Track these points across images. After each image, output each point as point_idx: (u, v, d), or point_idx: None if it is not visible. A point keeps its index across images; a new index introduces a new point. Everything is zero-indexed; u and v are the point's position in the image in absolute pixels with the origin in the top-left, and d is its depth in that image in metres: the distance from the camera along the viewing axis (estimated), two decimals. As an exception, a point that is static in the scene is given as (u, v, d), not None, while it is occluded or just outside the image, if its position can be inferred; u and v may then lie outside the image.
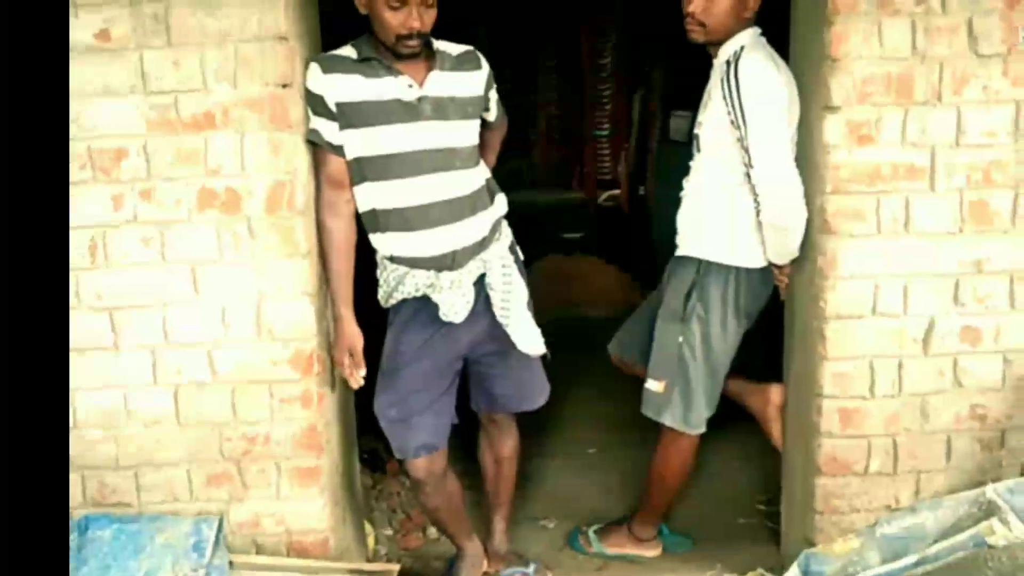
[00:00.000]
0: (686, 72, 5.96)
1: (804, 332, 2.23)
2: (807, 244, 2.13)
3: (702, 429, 2.32)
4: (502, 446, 2.40)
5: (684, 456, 2.38)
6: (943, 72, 1.99)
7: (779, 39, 2.24)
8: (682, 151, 5.14)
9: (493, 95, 2.25)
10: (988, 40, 1.97)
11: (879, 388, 2.15)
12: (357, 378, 2.11)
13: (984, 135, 2.02)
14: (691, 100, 5.35)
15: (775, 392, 2.40)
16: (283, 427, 2.15)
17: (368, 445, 2.91)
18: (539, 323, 2.21)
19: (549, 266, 5.17)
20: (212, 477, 2.17)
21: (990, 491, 2.06)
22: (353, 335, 2.08)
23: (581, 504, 2.93)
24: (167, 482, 2.17)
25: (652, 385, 2.32)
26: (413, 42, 1.94)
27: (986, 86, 2.00)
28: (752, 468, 3.04)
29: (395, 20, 1.92)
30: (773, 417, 2.42)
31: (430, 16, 1.96)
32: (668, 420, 2.29)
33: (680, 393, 2.27)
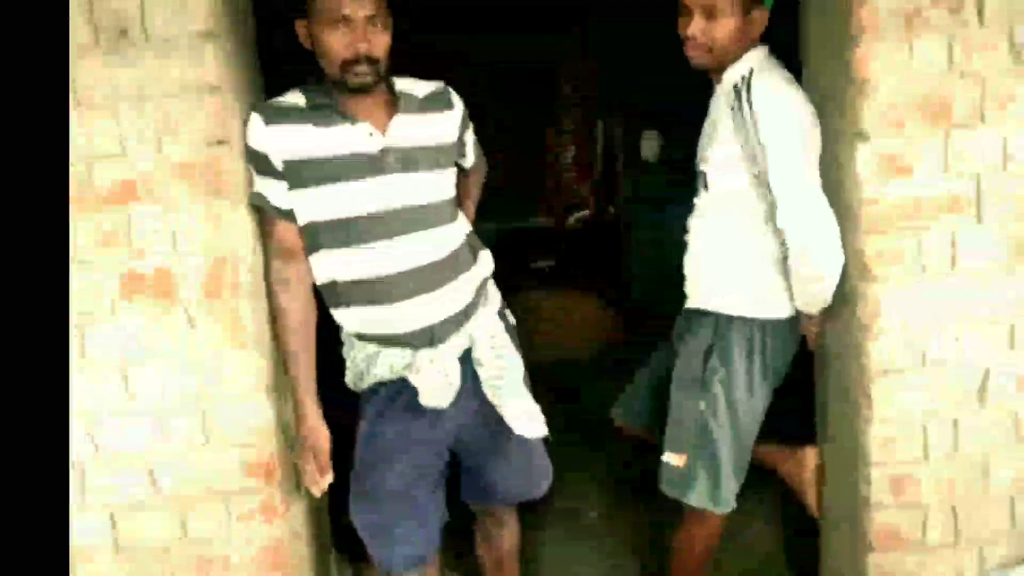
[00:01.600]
0: (651, 91, 5.82)
1: (842, 391, 1.94)
2: (842, 290, 1.85)
3: (732, 506, 2.02)
4: (502, 541, 2.07)
5: (711, 536, 2.08)
6: (985, 89, 1.73)
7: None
8: (656, 174, 4.99)
9: (469, 137, 1.94)
10: (1033, 50, 1.72)
11: (933, 450, 1.87)
12: (322, 486, 1.77)
13: (1035, 158, 1.77)
14: (657, 118, 5.21)
15: (810, 456, 2.11)
16: (242, 546, 1.81)
17: (346, 520, 2.58)
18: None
19: (523, 304, 4.87)
20: (161, 612, 1.82)
21: (1070, 564, 1.79)
22: (317, 434, 1.74)
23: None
24: (106, 623, 1.82)
25: (671, 459, 2.01)
26: (362, 67, 1.63)
27: (1033, 102, 1.74)
28: (776, 527, 2.75)
29: (338, 43, 1.62)
30: (809, 483, 2.13)
31: (381, 39, 1.65)
32: (693, 500, 1.99)
33: (705, 468, 1.97)
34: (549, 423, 1.84)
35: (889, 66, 1.71)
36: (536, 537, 2.76)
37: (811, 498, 2.14)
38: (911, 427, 1.86)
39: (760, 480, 2.16)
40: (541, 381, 2.35)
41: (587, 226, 7.92)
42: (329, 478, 1.77)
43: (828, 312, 1.93)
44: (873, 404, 1.84)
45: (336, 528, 2.20)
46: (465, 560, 2.41)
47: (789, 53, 1.97)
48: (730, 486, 1.99)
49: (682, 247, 2.08)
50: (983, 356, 1.84)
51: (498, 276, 1.96)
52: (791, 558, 2.61)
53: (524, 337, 1.97)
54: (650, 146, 5.03)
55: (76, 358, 1.72)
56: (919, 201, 1.77)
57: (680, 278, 2.08)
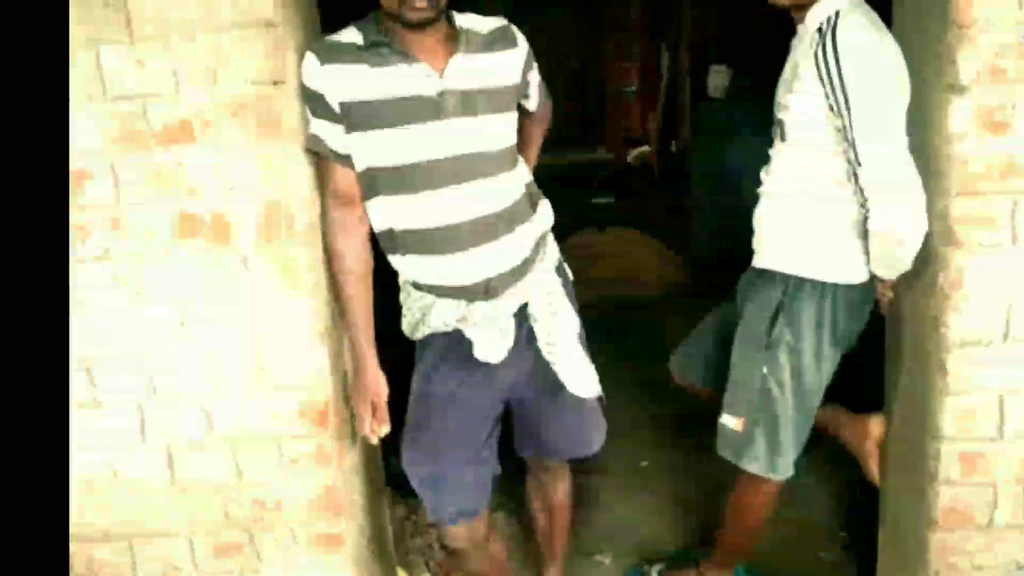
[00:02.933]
0: (718, 22, 5.55)
1: (917, 361, 1.84)
2: (923, 255, 1.74)
3: (790, 473, 1.95)
4: (554, 493, 2.06)
5: (766, 502, 2.02)
6: (1101, 38, 1.57)
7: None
8: (722, 109, 4.77)
9: (534, 77, 1.84)
10: None
11: (1009, 427, 1.77)
12: (379, 434, 1.76)
13: None
14: (725, 53, 4.96)
15: (875, 424, 2.03)
16: (297, 489, 1.82)
17: (397, 467, 2.61)
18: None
19: (583, 243, 4.79)
20: (219, 548, 1.86)
21: None
22: (376, 382, 1.73)
23: (638, 533, 2.60)
24: (166, 555, 1.86)
25: (729, 422, 1.95)
26: (421, 3, 1.53)
27: None
28: (832, 491, 2.69)
29: None
30: (872, 452, 2.05)
31: None
32: (750, 466, 1.93)
33: (765, 434, 1.90)
34: (609, 365, 1.78)
35: (993, 9, 1.56)
36: (587, 481, 2.75)
37: (872, 466, 2.06)
38: (987, 403, 1.76)
39: (818, 438, 2.08)
40: (600, 319, 2.30)
41: (648, 162, 7.74)
42: (386, 427, 1.76)
43: (905, 277, 1.81)
44: (948, 377, 1.74)
45: (387, 465, 2.21)
46: (519, 509, 2.42)
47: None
48: (789, 453, 1.93)
49: (749, 193, 1.97)
50: (1074, 330, 1.72)
51: (556, 213, 1.88)
52: (846, 522, 2.55)
53: (580, 278, 1.91)
54: (718, 81, 4.81)
55: (132, 297, 1.72)
56: (1016, 162, 1.63)
57: (747, 227, 1.99)
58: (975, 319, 1.71)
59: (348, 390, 1.82)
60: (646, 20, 7.93)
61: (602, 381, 1.87)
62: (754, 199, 1.97)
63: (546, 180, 2.02)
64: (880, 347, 2.04)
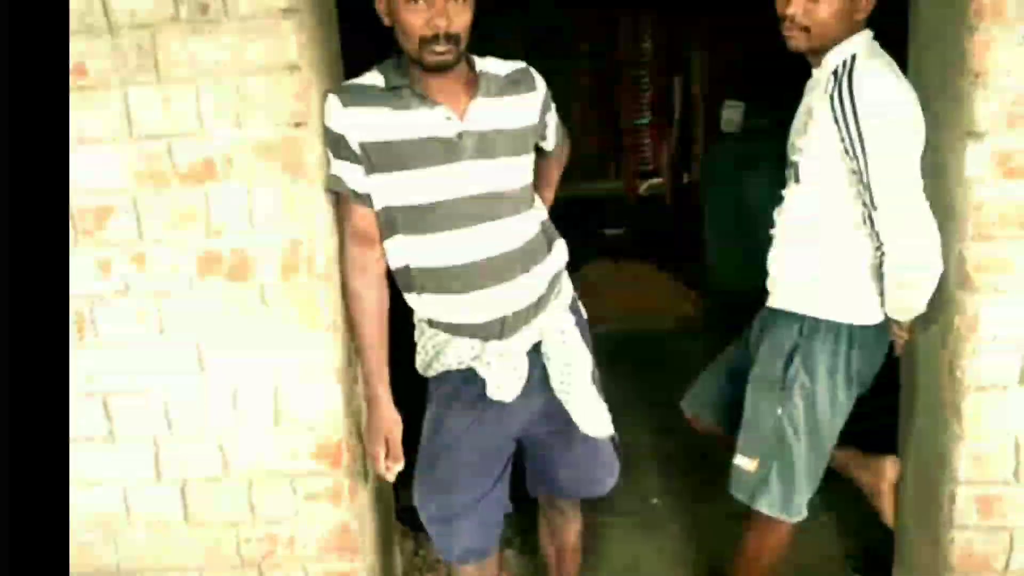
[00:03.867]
0: (730, 56, 5.58)
1: (932, 404, 1.84)
2: (939, 299, 1.74)
3: (804, 515, 1.94)
4: (566, 533, 2.05)
5: (780, 543, 2.01)
6: (1115, 86, 1.58)
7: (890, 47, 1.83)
8: (735, 145, 4.79)
9: (552, 119, 1.86)
10: None
11: (1026, 471, 1.77)
12: (393, 472, 1.77)
13: None
14: (738, 87, 4.99)
15: (890, 467, 2.02)
16: (310, 527, 1.82)
17: (407, 500, 2.60)
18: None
19: (595, 275, 4.80)
20: (229, 584, 1.86)
21: None
22: (390, 421, 1.74)
23: (649, 574, 2.57)
24: (178, 590, 1.87)
25: (743, 463, 1.94)
26: (441, 47, 1.56)
27: None
28: (846, 529, 2.66)
29: (417, 20, 1.55)
30: (886, 494, 2.03)
31: (462, 16, 1.57)
32: (765, 508, 1.92)
33: (779, 476, 1.89)
34: (619, 398, 1.77)
35: (1009, 57, 1.58)
36: (596, 519, 2.74)
37: (887, 509, 2.05)
38: (1003, 446, 1.76)
39: (831, 475, 2.07)
40: (612, 351, 2.29)
41: (661, 194, 7.77)
42: (400, 465, 1.76)
43: (920, 320, 1.81)
44: (964, 420, 1.74)
45: (397, 499, 2.21)
46: (530, 547, 2.41)
47: (894, 41, 1.82)
48: (803, 495, 1.91)
49: (763, 230, 1.98)
50: (1090, 375, 1.71)
51: (568, 243, 1.90)
52: (861, 562, 2.53)
53: (591, 310, 1.91)
54: (732, 116, 4.83)
55: (155, 336, 1.74)
56: (1032, 207, 1.64)
57: (760, 264, 1.99)
58: (990, 363, 1.71)
59: (362, 428, 1.83)
60: (660, 53, 8.00)
61: (612, 416, 1.87)
62: (767, 237, 1.98)
63: (558, 210, 2.04)
64: (895, 389, 2.03)
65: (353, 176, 1.65)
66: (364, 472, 1.88)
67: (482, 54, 1.75)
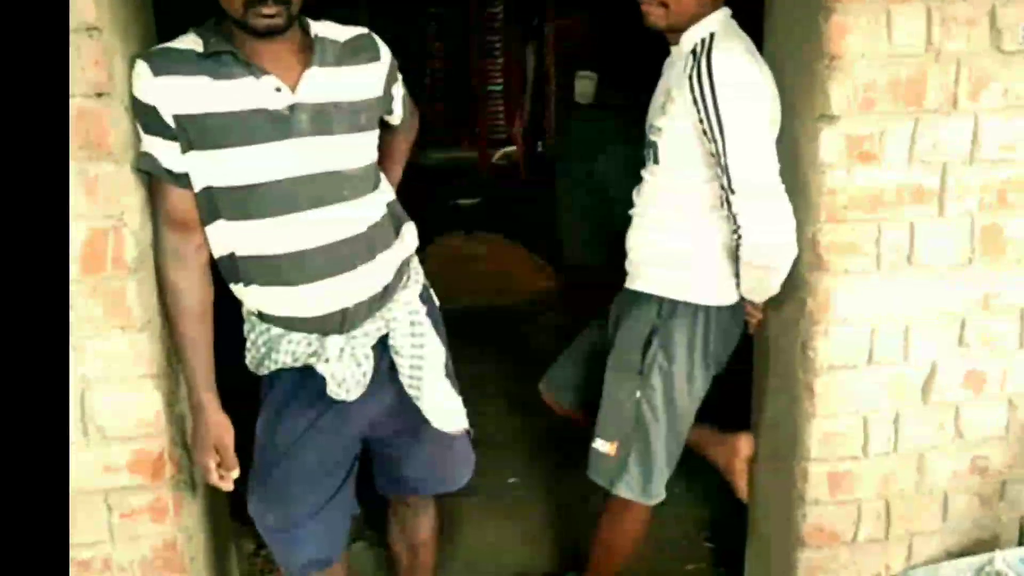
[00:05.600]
0: (583, 26, 5.57)
1: (784, 383, 1.85)
2: (791, 281, 1.74)
3: (662, 497, 1.92)
4: (418, 531, 1.92)
5: (639, 526, 1.99)
6: (960, 73, 1.60)
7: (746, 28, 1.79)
8: (590, 117, 4.77)
9: (398, 91, 1.70)
10: (1013, 34, 1.59)
11: (873, 447, 1.80)
12: (228, 481, 1.58)
13: (1002, 149, 1.66)
14: (592, 58, 4.97)
15: (744, 443, 2.03)
16: (129, 548, 1.61)
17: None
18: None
19: (447, 248, 4.68)
20: (35, 619, 1.62)
21: (999, 561, 1.77)
22: (218, 428, 1.54)
23: (507, 558, 2.51)
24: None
25: (601, 446, 1.89)
26: (269, 9, 1.37)
27: (1007, 89, 1.63)
28: (694, 495, 2.69)
29: None
30: (740, 471, 2.05)
31: None
32: (624, 492, 1.88)
33: (638, 460, 1.86)
34: (474, 377, 1.67)
35: (865, 41, 1.56)
36: (451, 503, 2.63)
37: (741, 485, 2.07)
38: (853, 423, 1.79)
39: (685, 457, 2.06)
40: (465, 328, 2.19)
41: (513, 164, 7.72)
42: (235, 473, 1.58)
43: (774, 301, 1.81)
44: (816, 399, 1.76)
45: (234, 496, 2.02)
46: (381, 538, 2.28)
47: (749, 20, 1.79)
48: (662, 477, 1.90)
49: (619, 203, 1.93)
50: (931, 352, 1.77)
51: (418, 216, 1.76)
52: (713, 534, 2.57)
53: (444, 284, 1.80)
54: (585, 88, 4.81)
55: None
56: (882, 191, 1.65)
57: (618, 237, 1.94)
58: (841, 343, 1.73)
59: (188, 436, 1.63)
60: (514, 21, 7.90)
61: (467, 394, 1.76)
62: (621, 212, 1.93)
63: (409, 179, 1.90)
64: (748, 367, 2.04)
65: (167, 154, 1.44)
66: (191, 483, 1.69)
67: (320, 18, 1.57)
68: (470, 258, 4.66)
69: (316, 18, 1.56)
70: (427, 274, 1.75)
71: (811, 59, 1.60)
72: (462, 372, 1.77)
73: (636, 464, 1.87)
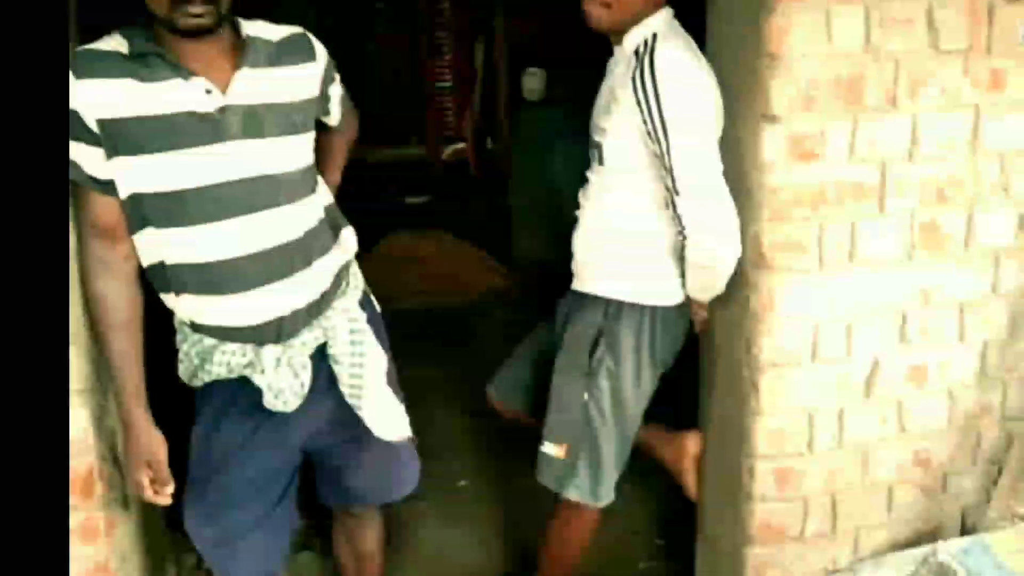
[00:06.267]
0: (531, 22, 5.54)
1: (730, 382, 1.85)
2: (735, 280, 1.73)
3: (612, 498, 1.92)
4: (363, 540, 1.88)
5: (589, 527, 1.98)
6: (899, 72, 1.61)
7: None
8: (539, 113, 4.75)
9: (335, 91, 1.66)
10: (949, 34, 1.61)
11: (818, 443, 1.81)
12: (164, 496, 1.52)
13: (940, 146, 1.68)
14: (540, 54, 4.95)
15: (691, 442, 2.02)
16: (59, 571, 1.54)
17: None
18: (385, 311, 1.71)
19: (396, 246, 4.62)
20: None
21: (943, 552, 1.79)
22: (150, 443, 1.48)
23: (456, 562, 2.48)
24: None
25: (550, 450, 1.87)
26: (197, 8, 1.32)
27: (944, 88, 1.64)
28: (648, 500, 2.70)
29: None
30: (689, 469, 2.05)
31: None
32: (574, 495, 1.87)
33: (587, 462, 1.85)
34: (423, 376, 1.63)
35: (805, 41, 1.56)
36: (399, 507, 2.59)
37: (690, 483, 2.06)
38: (798, 420, 1.79)
39: (634, 456, 2.06)
40: (413, 327, 2.15)
41: (464, 160, 7.66)
42: (170, 488, 1.52)
43: (718, 299, 1.81)
44: (761, 396, 1.76)
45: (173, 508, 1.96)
46: (326, 546, 2.23)
47: (691, 20, 1.78)
48: (611, 478, 1.89)
49: (568, 200, 1.91)
50: (873, 348, 1.78)
51: (366, 213, 1.71)
52: (664, 531, 2.58)
53: (393, 283, 1.76)
54: (533, 85, 4.78)
55: None
56: (823, 189, 1.65)
57: (567, 235, 1.92)
58: (785, 341, 1.73)
59: (119, 452, 1.57)
60: (462, 17, 7.84)
61: (415, 395, 1.72)
62: (573, 207, 1.91)
63: (357, 177, 1.85)
64: (694, 366, 2.04)
65: (90, 160, 1.38)
66: (124, 501, 1.62)
67: (266, 15, 1.51)
68: (419, 257, 4.61)
69: (261, 15, 1.51)
70: (375, 273, 1.72)
71: (752, 59, 1.59)
72: (410, 374, 1.73)
73: (585, 466, 1.86)
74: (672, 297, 1.81)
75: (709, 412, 1.99)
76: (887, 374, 1.80)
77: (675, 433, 2.06)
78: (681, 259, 1.74)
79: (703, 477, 2.05)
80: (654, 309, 1.81)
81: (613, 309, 1.80)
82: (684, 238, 1.66)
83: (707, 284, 1.74)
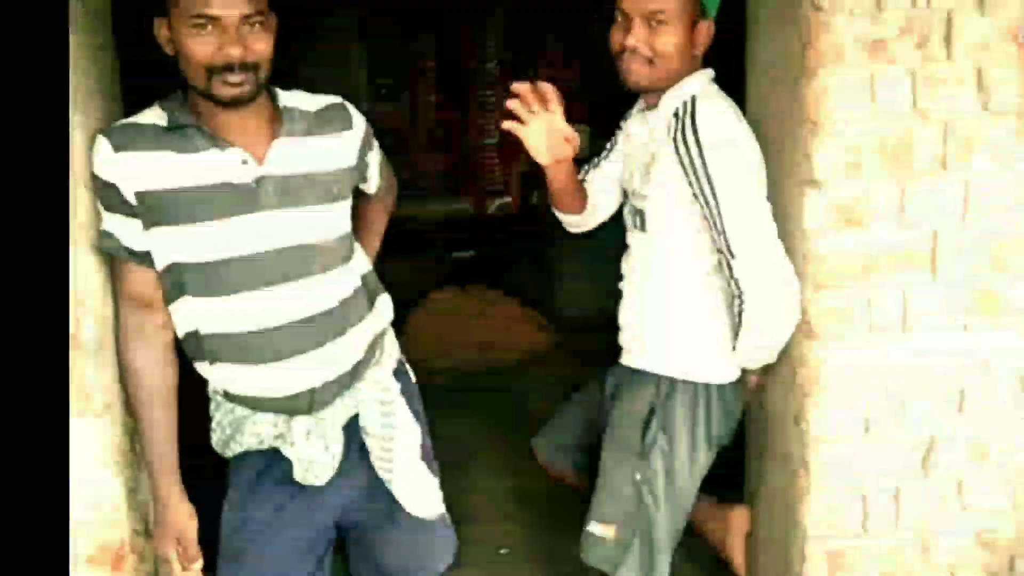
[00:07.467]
0: (574, 79, 5.56)
1: (778, 456, 1.77)
2: (782, 349, 1.67)
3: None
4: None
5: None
6: (947, 135, 1.56)
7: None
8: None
9: (374, 158, 1.66)
10: (1000, 93, 1.55)
11: (873, 523, 1.72)
12: (193, 572, 1.50)
13: (994, 209, 1.61)
14: (583, 111, 4.96)
15: (739, 518, 1.93)
16: (88, 646, 1.52)
17: None
18: (428, 368, 1.65)
19: (441, 303, 4.60)
20: None
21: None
22: (180, 520, 1.47)
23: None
24: None
25: (597, 530, 1.77)
26: (235, 77, 1.33)
27: (997, 150, 1.58)
28: (691, 571, 2.58)
29: (204, 47, 1.32)
30: (736, 546, 1.95)
31: (260, 42, 1.35)
32: None
33: (640, 543, 1.74)
34: (465, 437, 1.59)
35: (848, 105, 1.52)
36: None
37: (738, 561, 1.97)
38: (851, 499, 1.70)
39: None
40: (458, 386, 2.09)
41: (511, 214, 7.68)
42: (198, 564, 1.50)
43: (766, 371, 1.74)
44: (812, 475, 1.68)
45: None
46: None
47: (729, 81, 1.75)
48: (665, 560, 1.77)
49: (612, 257, 1.86)
50: (929, 422, 1.69)
51: (411, 269, 1.69)
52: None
53: (435, 342, 1.72)
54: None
55: None
56: (872, 255, 1.60)
57: (611, 289, 1.87)
58: (835, 415, 1.66)
59: (151, 523, 1.55)
60: (507, 74, 7.96)
61: (456, 453, 1.66)
62: (616, 267, 1.86)
63: (404, 233, 1.83)
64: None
65: (128, 232, 1.39)
66: (155, 574, 1.60)
67: (316, 78, 1.53)
68: (463, 314, 4.59)
69: (313, 79, 1.52)
70: (419, 330, 1.68)
71: (794, 124, 1.56)
72: (452, 433, 1.68)
73: (638, 550, 1.75)
74: (729, 374, 1.73)
75: (757, 487, 1.91)
76: (945, 450, 1.70)
77: (722, 506, 1.97)
78: (734, 330, 1.66)
79: (753, 555, 1.96)
80: (709, 387, 1.71)
81: (665, 386, 1.72)
82: (741, 303, 1.59)
83: (761, 352, 1.66)
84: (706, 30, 1.64)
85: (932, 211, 1.59)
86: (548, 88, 1.60)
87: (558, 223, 1.99)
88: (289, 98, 1.50)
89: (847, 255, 1.58)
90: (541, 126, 1.61)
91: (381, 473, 1.55)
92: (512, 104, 1.62)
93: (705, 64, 1.68)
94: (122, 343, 1.45)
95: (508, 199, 8.04)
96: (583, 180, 1.88)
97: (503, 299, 4.77)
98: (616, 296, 1.86)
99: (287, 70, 1.50)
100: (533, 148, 1.63)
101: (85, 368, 1.43)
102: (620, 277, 1.84)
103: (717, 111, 1.59)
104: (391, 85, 8.40)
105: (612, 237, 1.97)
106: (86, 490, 1.46)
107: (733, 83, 1.75)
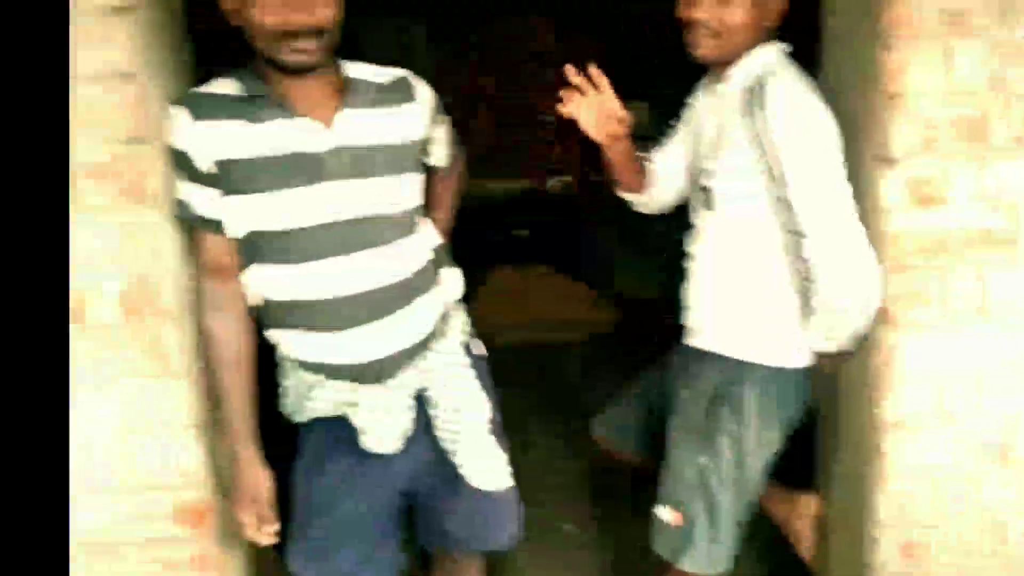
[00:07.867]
0: (631, 57, 5.47)
1: (851, 442, 1.74)
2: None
3: (730, 567, 1.77)
4: (463, 585, 1.86)
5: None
6: (1028, 110, 1.50)
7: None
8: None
9: (440, 133, 1.67)
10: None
11: (948, 512, 1.68)
12: (268, 535, 1.55)
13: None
14: (638, 88, 4.89)
15: (807, 504, 1.89)
16: (171, 599, 1.59)
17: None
18: (490, 348, 1.70)
19: (500, 283, 4.63)
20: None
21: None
22: (256, 481, 1.52)
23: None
24: None
25: (664, 515, 1.75)
26: (301, 43, 1.34)
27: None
28: (755, 553, 2.56)
29: (269, 16, 1.32)
30: (805, 533, 1.92)
31: (327, 7, 1.35)
32: (688, 566, 1.74)
33: (705, 530, 1.72)
34: (528, 415, 1.60)
35: (926, 78, 1.47)
36: (499, 553, 2.56)
37: (805, 544, 1.94)
38: (926, 487, 1.66)
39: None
40: (519, 364, 2.10)
41: (570, 192, 7.65)
42: (274, 527, 1.55)
43: (842, 356, 1.69)
44: (886, 461, 1.64)
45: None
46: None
47: (802, 56, 1.70)
48: (729, 547, 1.74)
49: (670, 234, 1.85)
50: (1009, 409, 1.64)
51: (471, 246, 1.71)
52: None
53: (496, 321, 1.74)
54: (636, 118, 4.72)
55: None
56: (948, 236, 1.55)
57: (670, 269, 1.86)
58: (909, 400, 1.62)
59: (227, 486, 1.61)
60: (563, 49, 7.89)
61: (520, 433, 1.67)
62: (680, 241, 1.83)
63: (465, 210, 1.87)
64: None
65: (203, 201, 1.43)
66: (236, 535, 1.66)
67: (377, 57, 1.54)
68: (524, 292, 4.61)
69: (374, 55, 1.54)
70: (480, 310, 1.69)
71: (869, 98, 1.51)
72: (516, 410, 1.68)
73: (703, 535, 1.72)
74: (800, 359, 1.67)
75: (829, 474, 1.87)
76: (1024, 438, 1.65)
77: (791, 493, 1.93)
78: (806, 312, 1.61)
79: (821, 542, 1.92)
80: (780, 370, 1.67)
81: (734, 368, 1.68)
82: (812, 284, 1.55)
83: (836, 333, 1.60)
84: (776, 4, 1.60)
85: (1012, 190, 1.53)
86: (596, 72, 1.68)
87: (620, 202, 1.98)
88: (356, 69, 1.51)
89: (922, 235, 1.54)
90: (592, 105, 1.69)
91: (446, 444, 1.57)
92: (565, 91, 1.72)
93: (780, 36, 1.64)
94: (200, 310, 1.49)
95: (568, 177, 8.00)
96: (646, 160, 1.87)
97: (563, 278, 4.77)
98: (678, 276, 1.84)
99: (350, 48, 1.52)
100: (586, 125, 1.71)
101: (164, 335, 1.48)
102: (683, 256, 1.81)
103: (790, 85, 1.54)
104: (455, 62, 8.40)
105: (673, 217, 1.96)
106: (168, 451, 1.52)
107: (808, 56, 1.71)
